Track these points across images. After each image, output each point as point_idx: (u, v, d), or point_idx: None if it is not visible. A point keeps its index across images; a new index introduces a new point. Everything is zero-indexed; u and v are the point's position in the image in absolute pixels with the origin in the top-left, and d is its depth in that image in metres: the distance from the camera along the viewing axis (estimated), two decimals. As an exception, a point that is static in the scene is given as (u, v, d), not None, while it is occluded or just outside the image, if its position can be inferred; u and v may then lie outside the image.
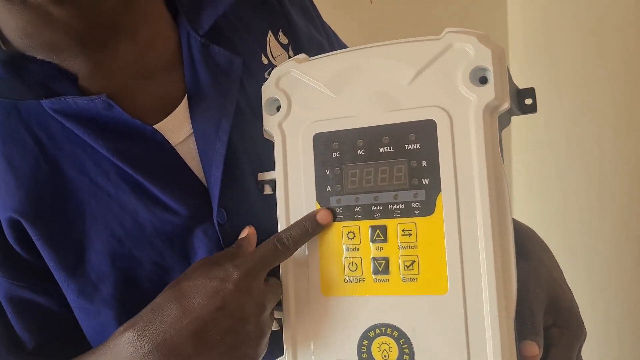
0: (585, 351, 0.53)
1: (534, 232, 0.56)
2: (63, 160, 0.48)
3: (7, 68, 0.47)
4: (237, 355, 0.45)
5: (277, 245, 0.47)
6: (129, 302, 0.48)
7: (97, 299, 0.48)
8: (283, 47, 0.59)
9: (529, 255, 0.52)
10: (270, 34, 0.58)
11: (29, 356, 0.49)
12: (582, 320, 0.50)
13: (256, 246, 0.49)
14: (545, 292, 0.49)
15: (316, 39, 0.62)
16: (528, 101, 0.52)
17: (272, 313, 0.49)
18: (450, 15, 1.37)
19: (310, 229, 0.48)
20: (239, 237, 0.50)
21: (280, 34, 0.59)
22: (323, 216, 0.48)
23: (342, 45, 0.68)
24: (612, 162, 1.17)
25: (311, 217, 0.48)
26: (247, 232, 0.50)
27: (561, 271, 0.54)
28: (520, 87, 0.50)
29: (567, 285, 0.53)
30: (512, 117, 0.51)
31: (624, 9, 1.09)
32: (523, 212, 1.48)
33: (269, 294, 0.46)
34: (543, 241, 0.55)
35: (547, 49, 1.34)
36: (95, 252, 0.48)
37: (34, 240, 0.47)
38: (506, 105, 0.45)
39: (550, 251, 0.55)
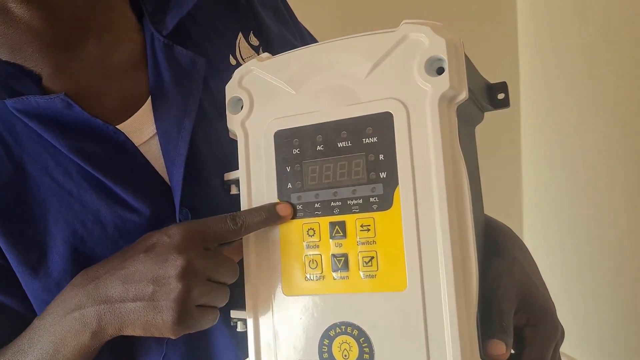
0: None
1: (510, 229, 0.54)
2: (27, 159, 0.49)
3: None
4: (157, 307, 0.44)
5: (228, 220, 0.46)
6: None
7: None
8: (254, 49, 0.59)
9: (503, 252, 0.50)
10: (240, 35, 0.59)
11: None
12: (557, 319, 0.48)
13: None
14: (517, 290, 0.47)
15: (289, 41, 0.62)
16: (500, 96, 0.51)
17: (213, 292, 0.46)
18: (458, 8, 1.37)
19: (266, 217, 0.47)
20: None
21: (251, 35, 0.59)
22: (282, 208, 0.47)
23: None
24: (623, 158, 1.13)
25: (270, 206, 0.47)
26: None
27: (537, 269, 0.52)
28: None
29: (543, 284, 0.50)
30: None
31: (635, 1, 1.06)
32: (532, 210, 1.45)
33: (204, 259, 0.45)
34: (519, 238, 0.53)
35: (557, 43, 1.31)
36: (57, 251, 0.48)
37: None
38: (463, 95, 0.44)
39: (527, 249, 0.53)
